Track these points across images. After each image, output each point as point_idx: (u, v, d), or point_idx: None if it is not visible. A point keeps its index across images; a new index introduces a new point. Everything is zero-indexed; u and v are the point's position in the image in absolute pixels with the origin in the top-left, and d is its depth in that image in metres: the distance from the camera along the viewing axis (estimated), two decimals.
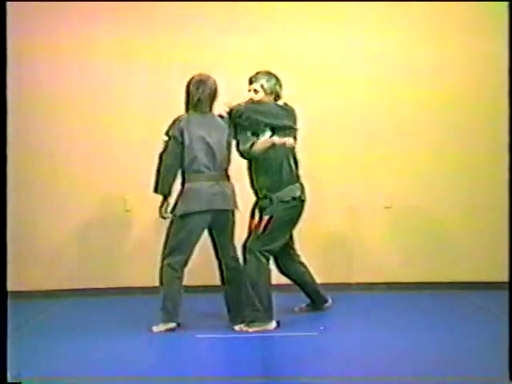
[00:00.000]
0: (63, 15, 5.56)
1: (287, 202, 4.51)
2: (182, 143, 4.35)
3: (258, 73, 4.58)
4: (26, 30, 5.46)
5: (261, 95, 4.54)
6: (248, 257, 4.50)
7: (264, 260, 4.50)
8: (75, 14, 5.55)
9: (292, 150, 4.56)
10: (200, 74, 4.48)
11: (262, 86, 4.53)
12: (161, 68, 5.57)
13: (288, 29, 5.63)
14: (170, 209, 4.42)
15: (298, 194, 4.55)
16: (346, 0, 5.57)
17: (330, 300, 5.02)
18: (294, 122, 4.59)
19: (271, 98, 4.57)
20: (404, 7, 5.59)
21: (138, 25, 5.59)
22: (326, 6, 5.57)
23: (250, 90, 4.58)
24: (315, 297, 4.97)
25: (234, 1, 5.56)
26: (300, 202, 4.58)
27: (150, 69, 5.59)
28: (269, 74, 4.58)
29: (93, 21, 5.58)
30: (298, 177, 4.61)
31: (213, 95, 4.45)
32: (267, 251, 4.51)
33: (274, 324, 4.48)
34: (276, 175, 4.50)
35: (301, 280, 4.93)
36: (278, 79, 4.59)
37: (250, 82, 4.58)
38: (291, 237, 4.78)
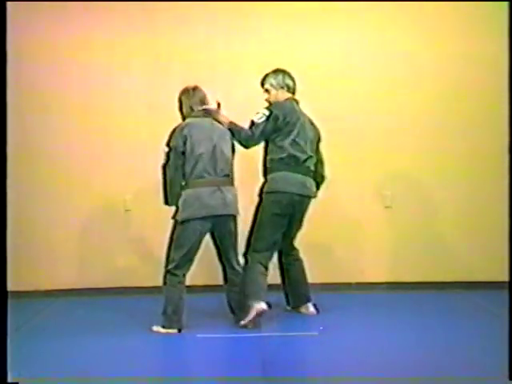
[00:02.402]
0: (63, 15, 5.56)
1: (270, 193, 4.57)
2: (184, 153, 4.35)
3: (266, 74, 4.74)
4: (26, 30, 5.46)
5: (273, 93, 4.70)
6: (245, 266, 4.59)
7: (256, 264, 4.52)
8: (75, 13, 5.55)
9: (287, 133, 4.59)
10: (190, 85, 4.54)
11: (271, 85, 4.71)
12: (161, 68, 5.57)
13: (288, 29, 5.62)
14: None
15: (280, 186, 4.56)
16: (347, 0, 5.57)
17: (311, 309, 4.84)
18: None
19: (284, 91, 4.70)
20: (405, 7, 5.59)
21: (138, 25, 5.59)
22: (326, 6, 5.57)
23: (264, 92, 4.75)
24: (290, 296, 4.93)
25: (235, 1, 5.55)
26: (290, 197, 4.56)
27: (150, 69, 5.58)
28: (275, 71, 4.73)
29: (92, 21, 5.58)
30: (286, 164, 4.59)
31: (207, 101, 4.51)
32: (255, 251, 4.56)
33: (263, 304, 4.42)
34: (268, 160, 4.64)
35: (285, 274, 4.91)
36: (285, 73, 4.72)
37: (262, 84, 4.76)
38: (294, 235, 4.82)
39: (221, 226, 4.47)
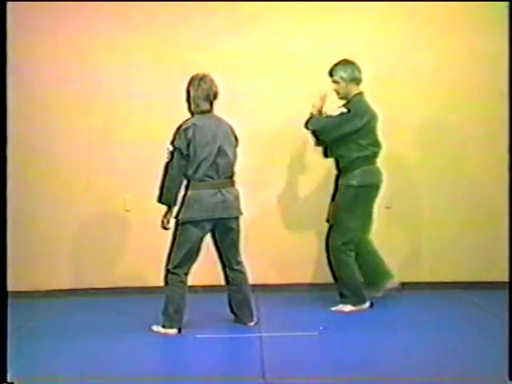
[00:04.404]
0: (63, 15, 5.54)
1: (350, 187, 4.85)
2: (188, 155, 4.34)
3: (336, 64, 4.93)
4: (26, 30, 5.45)
5: (342, 85, 4.91)
6: (330, 255, 4.96)
7: (342, 255, 4.89)
8: (75, 14, 5.54)
9: (367, 131, 4.88)
10: (198, 74, 4.47)
11: (341, 78, 4.90)
12: (161, 68, 5.56)
13: (288, 29, 5.61)
14: (172, 219, 4.43)
15: (357, 180, 4.84)
16: (347, 0, 5.57)
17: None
18: None
19: (354, 85, 4.92)
20: (404, 7, 5.58)
21: (138, 25, 5.58)
22: (326, 6, 5.56)
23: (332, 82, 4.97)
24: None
25: (234, 1, 5.55)
26: (367, 187, 4.88)
27: (150, 69, 5.58)
28: (345, 63, 4.92)
29: (92, 21, 5.56)
30: (368, 160, 4.89)
31: (212, 93, 4.44)
32: (344, 244, 4.88)
33: (367, 304, 4.95)
34: (344, 158, 4.90)
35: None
36: (354, 65, 4.93)
37: (331, 74, 4.94)
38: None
39: (221, 227, 4.47)
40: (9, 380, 3.06)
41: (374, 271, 5.15)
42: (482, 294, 5.33)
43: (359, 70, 4.93)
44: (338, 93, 4.96)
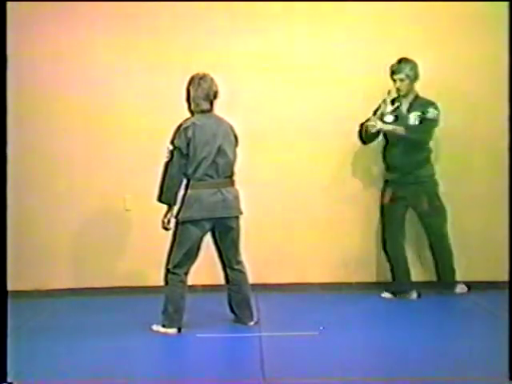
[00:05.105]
0: (63, 15, 5.55)
1: (434, 177, 5.26)
2: (187, 154, 4.34)
3: (399, 62, 5.11)
4: (26, 31, 5.45)
5: (406, 82, 5.12)
6: (435, 243, 5.34)
7: (448, 240, 5.31)
8: (75, 14, 5.54)
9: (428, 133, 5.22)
10: (198, 73, 4.48)
11: (407, 76, 5.11)
12: (161, 68, 5.56)
13: (288, 29, 5.61)
14: (173, 219, 4.44)
15: (433, 171, 5.25)
16: (346, 0, 5.57)
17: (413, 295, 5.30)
18: None
19: (414, 83, 5.16)
20: (404, 7, 5.58)
21: (138, 25, 5.58)
22: (325, 7, 5.56)
23: (395, 80, 5.14)
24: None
25: (234, 1, 5.55)
26: (430, 179, 5.25)
27: (150, 69, 5.58)
28: (407, 61, 5.12)
29: (93, 21, 5.57)
30: (429, 158, 5.27)
31: (212, 92, 4.44)
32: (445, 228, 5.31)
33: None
34: (425, 151, 5.23)
35: None
36: (416, 63, 5.14)
37: (393, 72, 5.12)
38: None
39: (221, 227, 4.47)
40: (9, 380, 3.06)
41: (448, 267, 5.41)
42: (482, 293, 5.33)
43: (418, 69, 5.13)
44: (399, 90, 5.14)
